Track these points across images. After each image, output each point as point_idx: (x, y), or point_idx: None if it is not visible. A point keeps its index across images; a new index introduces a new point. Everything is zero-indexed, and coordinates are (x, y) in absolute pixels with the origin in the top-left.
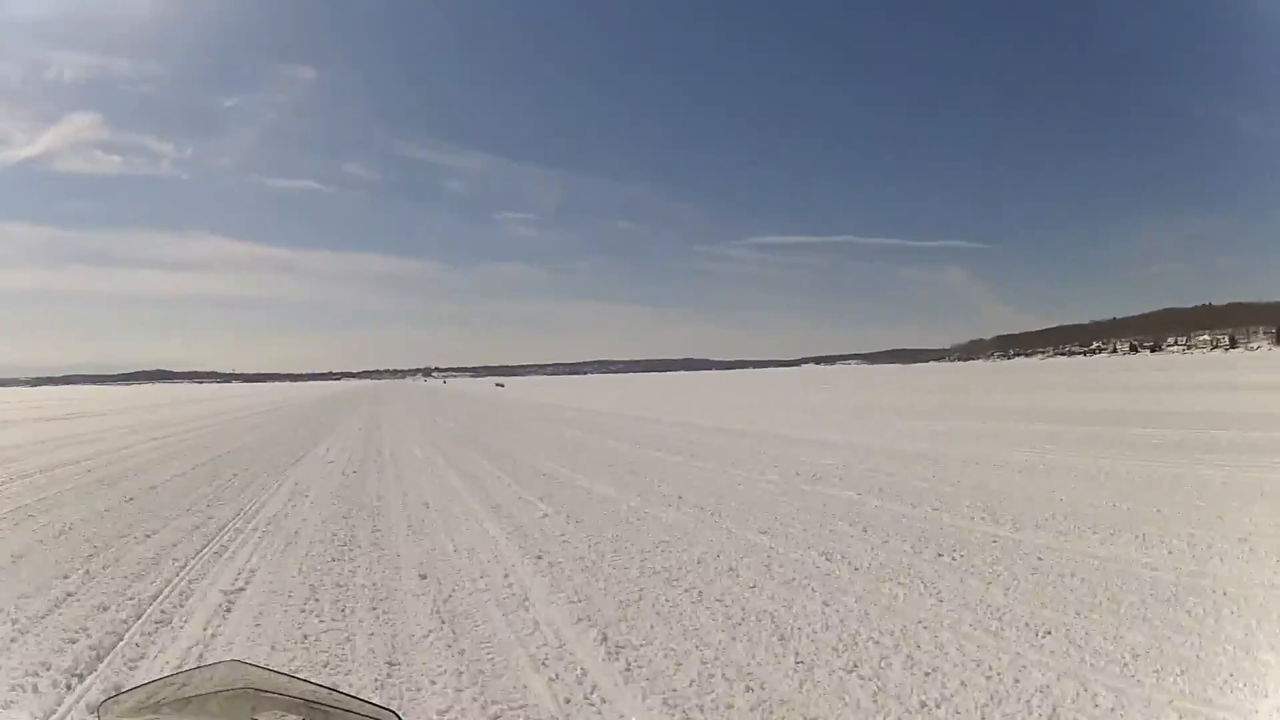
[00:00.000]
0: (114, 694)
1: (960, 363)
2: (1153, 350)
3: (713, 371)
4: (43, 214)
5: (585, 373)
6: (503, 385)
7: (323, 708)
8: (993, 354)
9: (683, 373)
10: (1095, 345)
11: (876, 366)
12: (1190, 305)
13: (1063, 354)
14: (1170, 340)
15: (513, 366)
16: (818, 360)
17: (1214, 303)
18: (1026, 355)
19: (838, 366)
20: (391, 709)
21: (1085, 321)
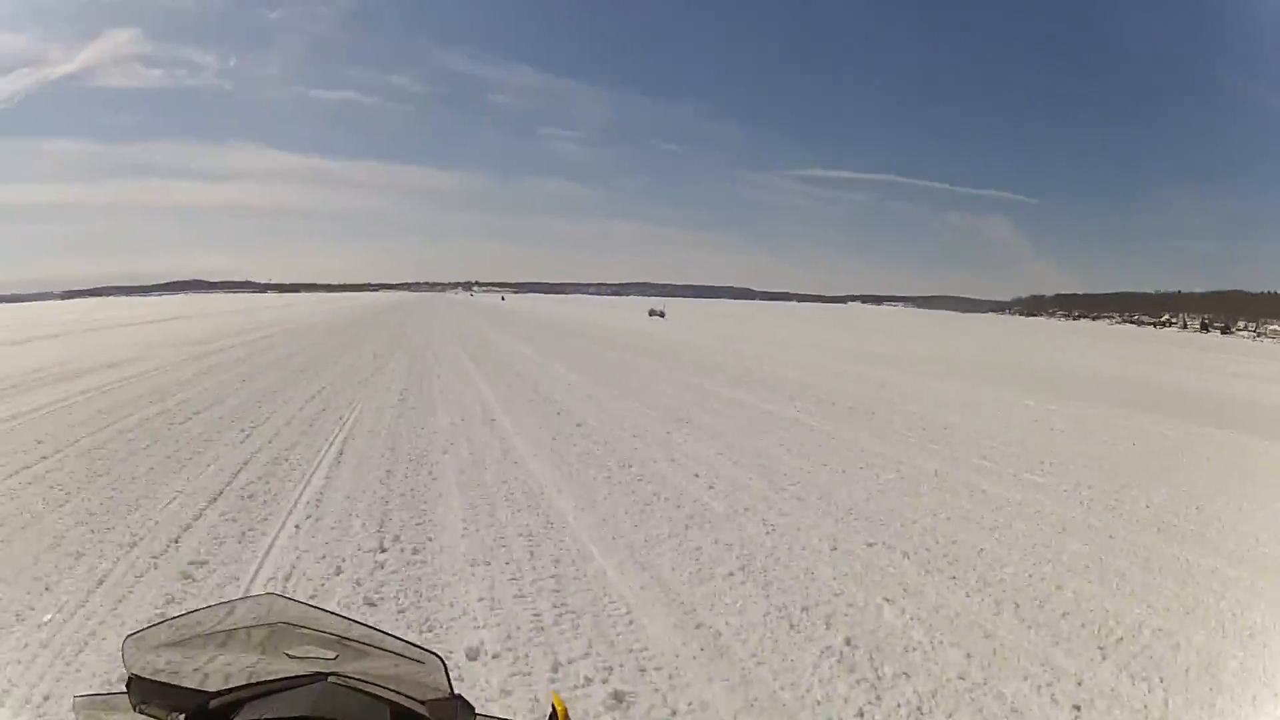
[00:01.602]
0: (142, 628)
1: (1025, 317)
2: (1223, 332)
3: (757, 301)
4: (81, 129)
5: (627, 294)
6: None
7: (361, 645)
8: (1056, 312)
9: (729, 300)
10: (1166, 318)
11: (934, 312)
12: (1257, 291)
13: (1131, 322)
14: (1239, 324)
15: (555, 284)
16: (864, 299)
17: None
18: (1092, 319)
19: (885, 308)
20: (436, 653)
21: (1144, 290)
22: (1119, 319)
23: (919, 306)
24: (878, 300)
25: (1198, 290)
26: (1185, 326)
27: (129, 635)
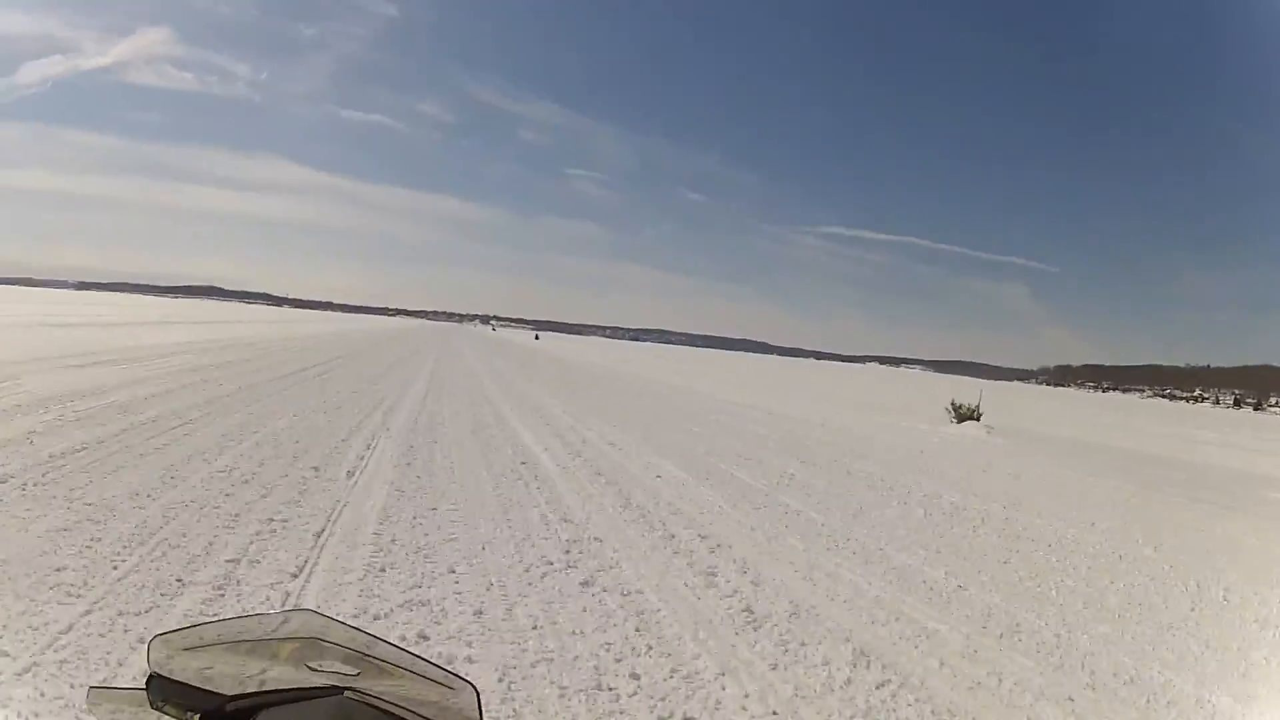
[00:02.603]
0: (170, 630)
1: (1052, 387)
2: (1255, 408)
3: (774, 356)
4: (107, 123)
5: (643, 340)
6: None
7: (387, 665)
8: (1084, 383)
9: (745, 354)
10: (1198, 393)
11: (958, 378)
12: None
13: (1163, 396)
14: (1272, 400)
15: (572, 324)
16: (880, 359)
17: None
18: (1122, 391)
19: (902, 369)
20: (469, 680)
21: (1172, 363)
22: (1149, 392)
23: (937, 370)
24: (895, 362)
25: (1223, 364)
26: (1218, 403)
27: (155, 635)
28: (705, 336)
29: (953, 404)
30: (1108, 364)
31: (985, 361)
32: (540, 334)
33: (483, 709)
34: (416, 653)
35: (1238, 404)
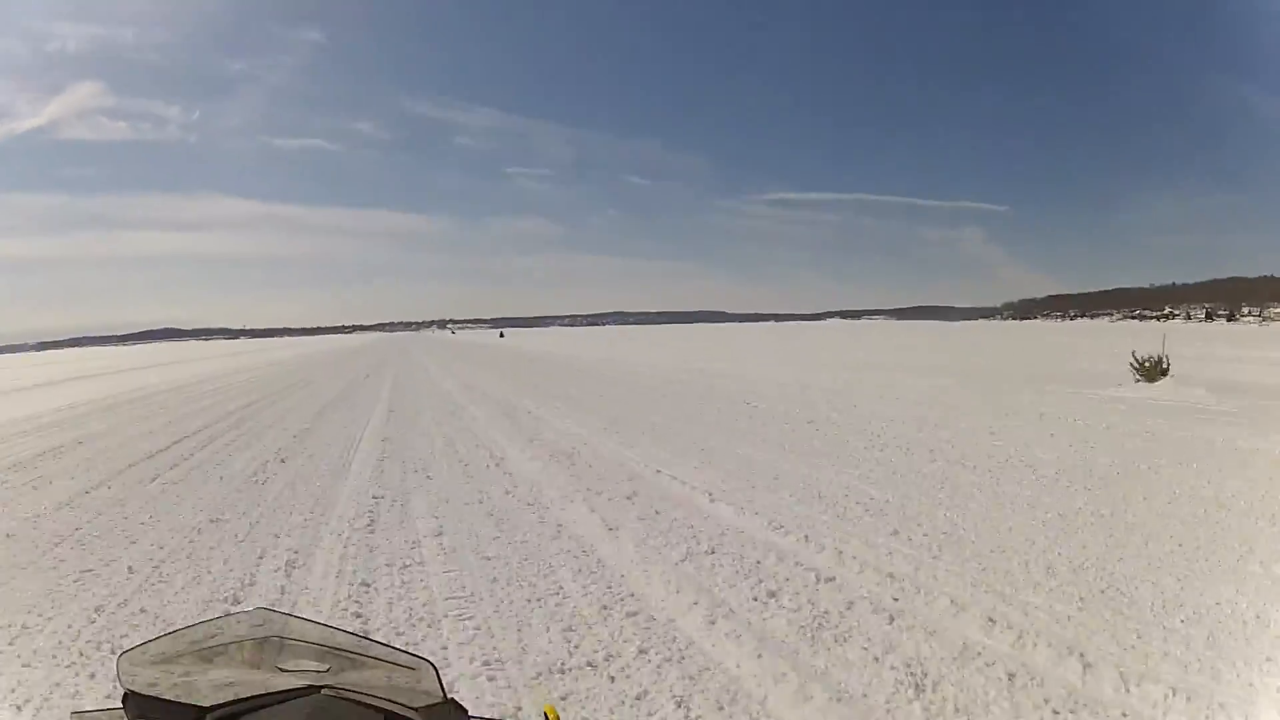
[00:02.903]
0: (136, 645)
1: (1018, 321)
2: (1229, 319)
3: (731, 324)
4: (47, 183)
5: (604, 324)
6: (503, 335)
7: (351, 655)
8: (1050, 313)
9: (703, 325)
10: (1168, 311)
11: (920, 323)
12: (1255, 275)
13: (1133, 317)
14: (1244, 311)
15: (531, 318)
16: (842, 315)
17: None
18: (1090, 317)
19: (864, 321)
20: (427, 659)
21: (1138, 285)
22: (1118, 315)
23: (899, 319)
24: (856, 315)
25: (1191, 280)
26: (1189, 318)
27: (123, 652)
28: (663, 313)
29: (1136, 357)
30: (1073, 293)
31: (948, 305)
32: (505, 331)
33: (443, 683)
34: (374, 638)
35: (1209, 317)
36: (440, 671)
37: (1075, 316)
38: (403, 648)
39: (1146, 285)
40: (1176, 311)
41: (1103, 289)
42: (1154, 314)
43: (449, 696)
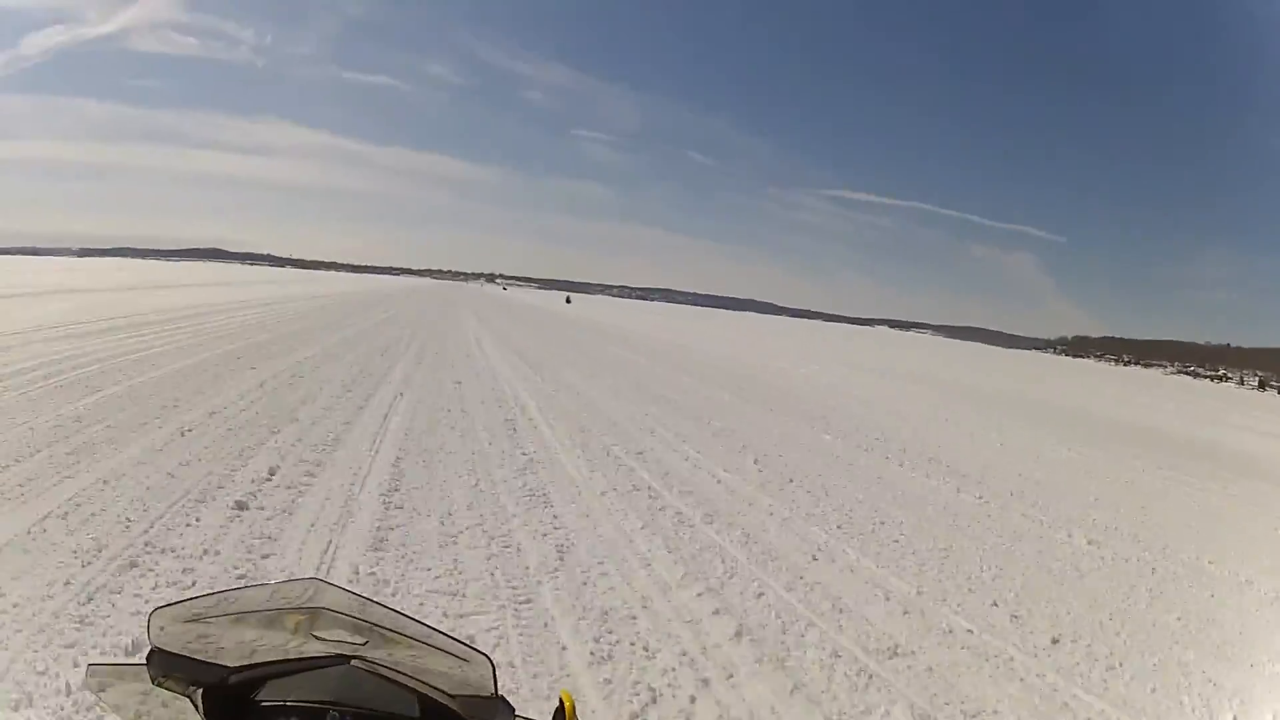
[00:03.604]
0: (170, 603)
1: (1071, 358)
2: None
3: (781, 317)
4: (111, 91)
5: (651, 299)
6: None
7: (396, 634)
8: (1102, 355)
9: (753, 314)
10: (1223, 373)
11: (976, 345)
12: None
13: (1187, 373)
14: None
15: (579, 283)
16: (890, 324)
17: None
18: (1143, 365)
19: (913, 334)
20: (485, 653)
21: (1194, 340)
22: (1171, 369)
23: (948, 336)
24: (904, 326)
25: (1247, 345)
26: (1242, 383)
27: (155, 609)
28: (711, 296)
29: None
30: (1125, 336)
31: (995, 329)
32: (571, 296)
33: (497, 681)
34: (431, 625)
35: (1262, 386)
36: (498, 671)
37: (1129, 363)
38: (461, 639)
39: (1202, 342)
40: (1230, 375)
41: (1156, 338)
42: (1209, 374)
43: (500, 694)
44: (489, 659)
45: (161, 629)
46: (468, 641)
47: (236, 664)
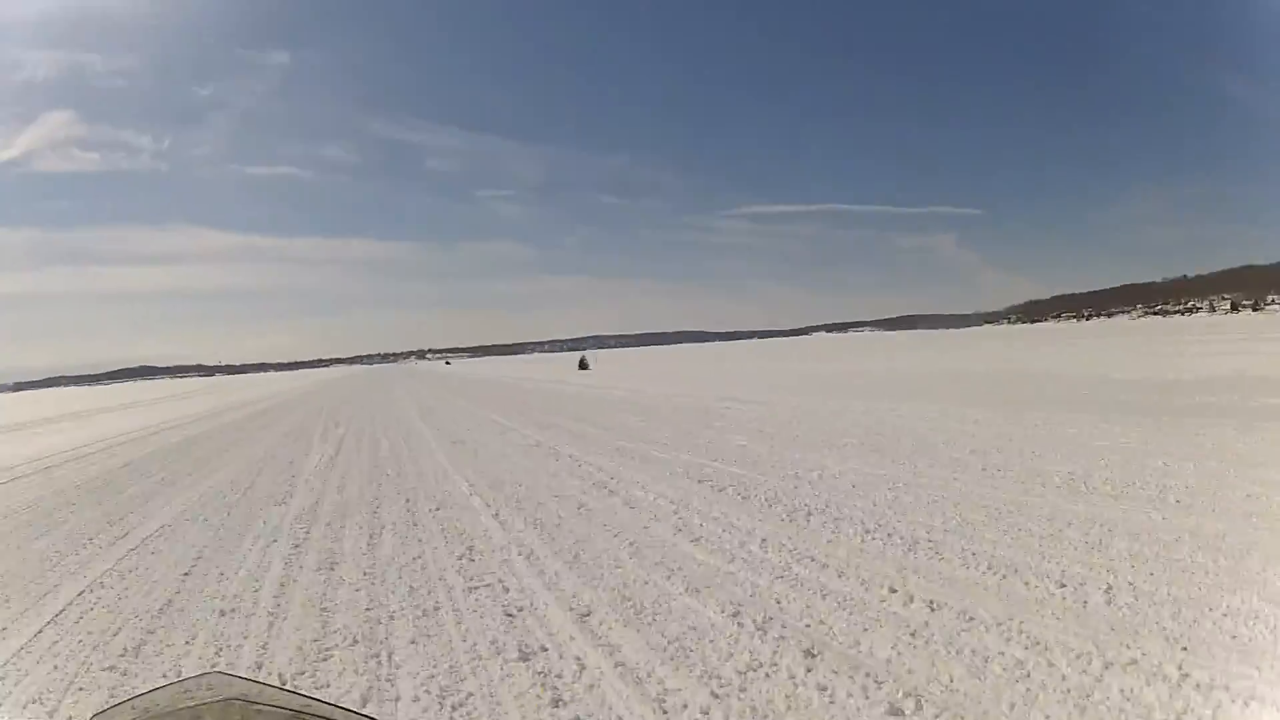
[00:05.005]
0: (106, 707)
1: (1028, 324)
2: (1254, 309)
3: (715, 343)
4: (23, 216)
5: (582, 348)
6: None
7: (312, 718)
8: (1060, 314)
9: (686, 345)
10: (1191, 304)
11: (923, 333)
12: (1267, 263)
13: (1154, 313)
14: (1270, 299)
15: (509, 345)
16: (827, 328)
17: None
18: (1107, 316)
19: (851, 334)
20: None
21: (1148, 280)
22: (1137, 313)
23: (888, 330)
24: (842, 328)
25: (1206, 271)
26: (1213, 310)
27: (93, 716)
28: (642, 335)
29: None
30: (1077, 291)
31: (935, 312)
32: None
33: None
34: (330, 701)
35: (1234, 308)
36: None
37: (1090, 316)
38: (358, 711)
39: (1159, 280)
40: (1199, 305)
41: (1108, 286)
42: (1176, 308)
43: None
44: None
45: None
46: (363, 712)
47: None
